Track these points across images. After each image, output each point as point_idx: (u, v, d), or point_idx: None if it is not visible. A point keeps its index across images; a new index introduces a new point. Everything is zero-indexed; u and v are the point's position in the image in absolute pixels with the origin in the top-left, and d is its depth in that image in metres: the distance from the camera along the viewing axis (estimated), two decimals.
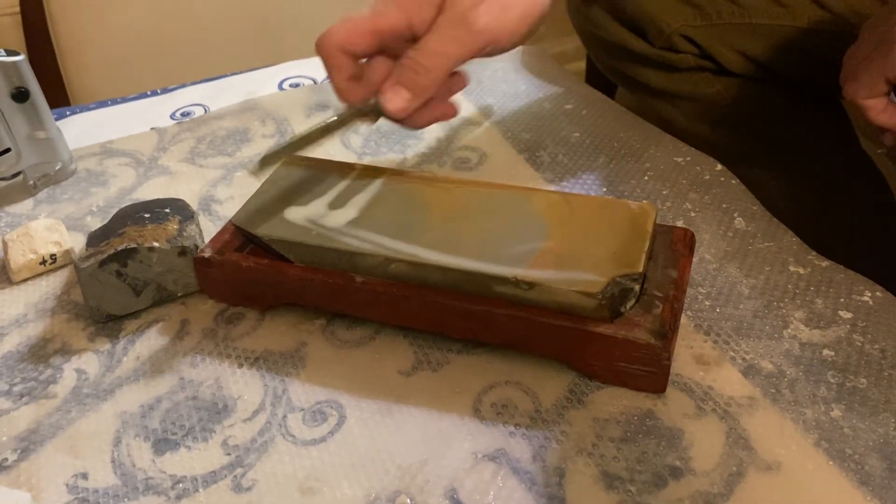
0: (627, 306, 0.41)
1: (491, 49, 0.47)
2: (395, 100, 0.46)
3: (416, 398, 0.42)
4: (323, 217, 0.47)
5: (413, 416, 0.42)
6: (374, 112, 0.48)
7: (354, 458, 0.40)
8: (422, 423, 0.41)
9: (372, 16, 0.46)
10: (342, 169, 0.51)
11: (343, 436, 0.41)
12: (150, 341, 0.47)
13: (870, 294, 0.47)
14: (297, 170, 0.51)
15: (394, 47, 0.47)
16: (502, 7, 0.46)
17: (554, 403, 0.42)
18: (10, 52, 0.57)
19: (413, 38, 0.47)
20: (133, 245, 0.46)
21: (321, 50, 0.48)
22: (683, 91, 0.73)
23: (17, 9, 1.07)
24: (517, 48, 0.59)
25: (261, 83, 0.75)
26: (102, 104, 0.73)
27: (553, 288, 0.41)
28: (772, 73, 0.71)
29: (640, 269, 0.41)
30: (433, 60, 0.45)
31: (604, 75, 0.84)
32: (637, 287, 0.42)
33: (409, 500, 0.37)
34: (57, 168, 0.61)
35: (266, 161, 0.48)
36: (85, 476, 0.40)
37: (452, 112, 0.50)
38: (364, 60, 0.48)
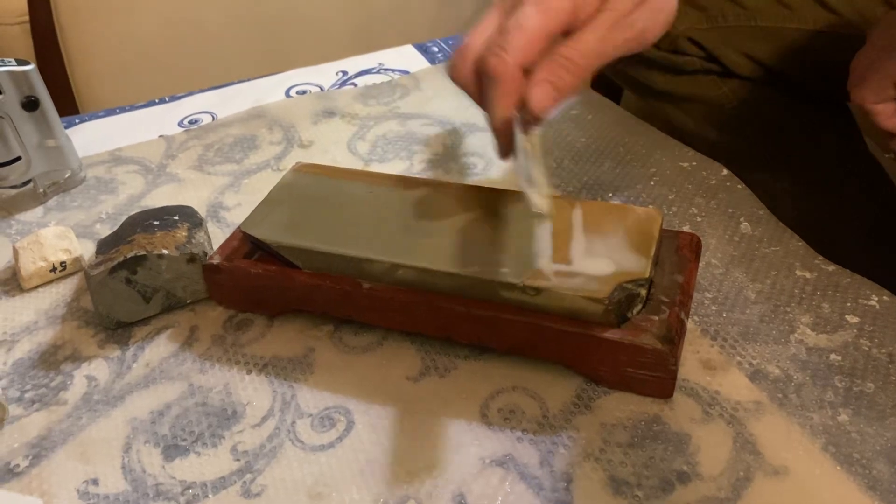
0: (634, 311, 0.42)
1: (634, 48, 0.44)
2: (545, 99, 0.40)
3: (423, 404, 0.43)
4: (330, 223, 0.47)
5: (421, 421, 0.42)
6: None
7: (363, 463, 0.40)
8: (429, 429, 0.41)
9: (545, 17, 0.41)
10: (349, 175, 0.52)
11: (351, 441, 0.41)
12: (159, 348, 0.47)
13: (876, 298, 0.47)
14: (304, 176, 0.52)
15: None
16: (657, 9, 0.43)
17: (561, 409, 0.42)
18: (20, 62, 0.57)
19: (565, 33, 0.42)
20: (142, 252, 0.47)
21: (500, 74, 0.41)
22: (689, 94, 0.73)
23: (27, 18, 1.08)
24: None
25: (268, 90, 0.75)
26: (111, 112, 0.74)
27: (560, 293, 0.41)
28: (778, 76, 0.71)
29: (647, 275, 0.41)
30: (590, 60, 0.41)
31: (610, 79, 0.84)
32: (644, 292, 0.42)
33: None
34: (66, 176, 0.62)
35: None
36: (96, 482, 0.40)
37: None
38: None
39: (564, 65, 0.41)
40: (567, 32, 0.42)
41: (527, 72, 0.41)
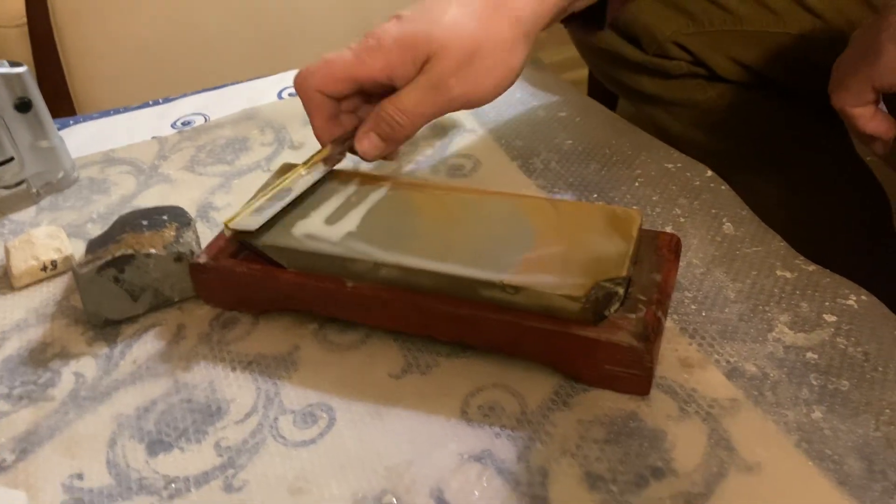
0: (612, 310, 0.42)
1: (463, 108, 0.50)
2: (369, 146, 0.50)
3: (404, 400, 0.43)
4: (315, 223, 0.48)
5: (401, 418, 0.42)
6: (341, 153, 0.51)
7: (343, 459, 0.40)
8: (410, 425, 0.42)
9: (354, 62, 0.48)
10: (335, 175, 0.52)
11: (332, 437, 0.42)
12: (146, 345, 0.48)
13: (855, 298, 0.47)
14: None
15: (369, 90, 0.50)
16: (481, 73, 0.48)
17: (539, 405, 0.42)
18: (13, 64, 0.58)
19: (390, 88, 0.49)
20: (130, 251, 0.48)
21: (299, 90, 0.50)
22: (677, 97, 0.74)
23: (25, 21, 1.09)
24: None
25: (261, 92, 0.76)
26: (105, 114, 0.74)
27: (538, 292, 0.41)
28: (765, 80, 0.72)
29: (624, 274, 0.42)
30: (409, 118, 0.48)
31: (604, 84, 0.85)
32: (621, 291, 0.42)
33: (395, 500, 0.38)
34: (59, 176, 0.63)
35: (242, 234, 0.47)
36: (80, 476, 0.41)
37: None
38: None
39: (385, 119, 0.49)
40: (391, 87, 0.49)
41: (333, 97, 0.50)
